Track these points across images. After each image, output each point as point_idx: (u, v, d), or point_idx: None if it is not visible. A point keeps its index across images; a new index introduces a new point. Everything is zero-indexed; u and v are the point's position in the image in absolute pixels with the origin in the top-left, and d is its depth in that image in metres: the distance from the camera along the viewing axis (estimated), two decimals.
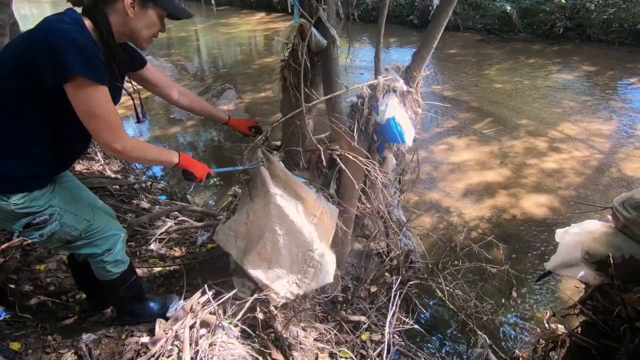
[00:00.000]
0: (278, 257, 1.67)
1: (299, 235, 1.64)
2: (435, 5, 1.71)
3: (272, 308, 1.72)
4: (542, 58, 7.03)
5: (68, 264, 1.78)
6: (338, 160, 1.79)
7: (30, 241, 1.39)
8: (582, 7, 7.93)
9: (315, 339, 1.77)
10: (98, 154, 3.62)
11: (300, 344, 1.66)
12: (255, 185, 1.74)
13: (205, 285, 1.76)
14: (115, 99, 1.32)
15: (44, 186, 1.31)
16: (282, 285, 1.69)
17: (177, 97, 1.63)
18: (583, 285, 1.34)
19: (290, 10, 1.64)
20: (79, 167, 3.38)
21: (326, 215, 1.74)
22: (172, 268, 2.21)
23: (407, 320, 1.93)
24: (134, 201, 2.97)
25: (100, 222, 1.49)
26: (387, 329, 1.75)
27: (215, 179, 3.91)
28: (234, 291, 1.74)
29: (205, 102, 1.77)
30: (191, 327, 1.57)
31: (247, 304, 1.70)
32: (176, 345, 1.52)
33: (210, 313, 1.64)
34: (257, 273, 1.70)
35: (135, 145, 1.28)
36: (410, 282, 2.11)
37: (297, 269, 1.69)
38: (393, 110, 1.67)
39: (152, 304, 1.77)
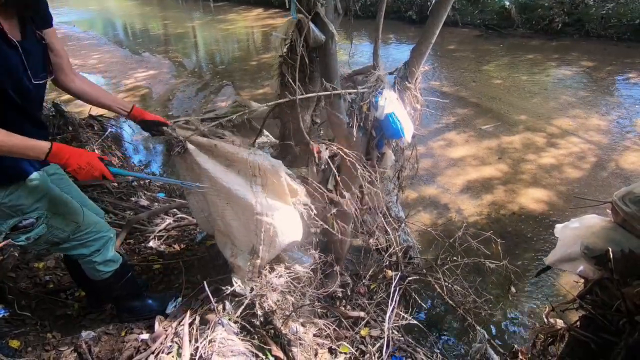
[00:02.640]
0: (232, 229, 1.58)
1: (240, 201, 1.51)
2: (433, 1, 1.70)
3: (270, 304, 1.71)
4: (541, 53, 7.02)
5: (64, 262, 1.77)
6: (332, 157, 1.78)
7: (17, 243, 1.33)
8: (581, 2, 7.91)
9: (314, 335, 1.77)
10: (96, 151, 3.61)
11: (300, 339, 1.66)
12: (186, 166, 1.59)
13: (205, 282, 1.76)
14: (12, 61, 1.10)
15: (19, 180, 1.23)
16: (244, 258, 1.59)
17: (71, 77, 1.39)
18: (582, 280, 1.35)
19: (287, 6, 1.63)
20: None
21: (269, 172, 1.55)
22: (171, 265, 2.21)
23: (406, 315, 1.93)
24: (133, 198, 2.96)
25: (89, 223, 1.46)
26: (386, 325, 1.75)
27: None
28: (233, 288, 1.74)
29: (105, 90, 1.55)
30: (191, 323, 1.57)
31: (246, 301, 1.70)
32: (176, 342, 1.52)
33: (210, 310, 1.64)
34: (225, 251, 1.62)
35: None
36: (409, 278, 2.12)
37: (253, 238, 1.56)
38: (392, 105, 1.66)
39: (151, 301, 1.77)
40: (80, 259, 1.50)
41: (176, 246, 2.44)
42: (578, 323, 1.29)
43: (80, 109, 4.69)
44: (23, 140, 1.11)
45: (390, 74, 1.85)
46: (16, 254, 2.11)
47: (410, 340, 1.94)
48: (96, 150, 3.62)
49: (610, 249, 1.13)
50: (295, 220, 1.60)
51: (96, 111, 4.57)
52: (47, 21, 1.26)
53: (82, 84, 1.43)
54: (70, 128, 3.72)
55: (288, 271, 1.89)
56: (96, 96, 1.46)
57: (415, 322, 1.93)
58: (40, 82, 1.23)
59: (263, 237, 1.53)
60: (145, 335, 1.62)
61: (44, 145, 1.12)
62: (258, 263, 1.58)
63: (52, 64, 1.30)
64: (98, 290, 1.67)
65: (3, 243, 2.11)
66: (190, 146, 1.49)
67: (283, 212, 1.56)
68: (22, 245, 1.36)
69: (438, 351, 1.97)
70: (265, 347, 1.59)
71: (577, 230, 1.33)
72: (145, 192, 3.18)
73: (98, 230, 1.49)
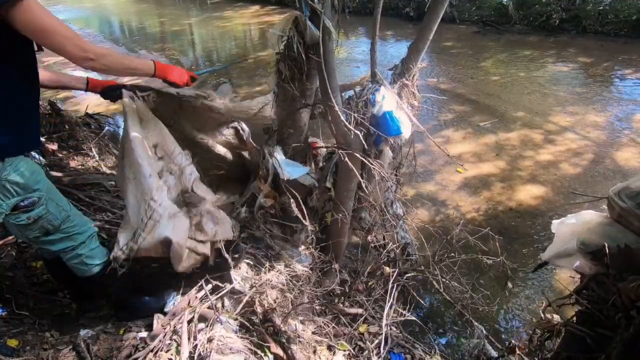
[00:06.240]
0: (128, 204, 1.56)
1: (144, 181, 1.50)
2: None
3: (270, 301, 1.72)
4: (538, 50, 7.02)
5: (44, 262, 1.74)
6: (330, 154, 1.78)
7: (16, 224, 1.36)
8: None
9: (313, 332, 1.78)
10: (93, 149, 3.59)
11: (299, 337, 1.66)
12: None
13: (203, 280, 1.76)
14: None
15: (16, 155, 1.25)
16: (125, 236, 1.55)
17: None
18: (578, 275, 1.35)
19: (298, 4, 1.59)
20: (74, 163, 3.35)
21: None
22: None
23: (404, 312, 1.94)
24: None
25: (75, 215, 1.51)
26: (384, 321, 1.76)
27: None
28: (232, 285, 1.75)
29: (57, 72, 1.59)
30: (189, 321, 1.57)
31: (246, 298, 1.70)
32: (175, 340, 1.52)
33: (208, 307, 1.64)
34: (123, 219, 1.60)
35: (104, 52, 1.21)
36: (407, 275, 2.12)
37: (138, 221, 1.53)
38: (390, 103, 1.66)
39: (149, 299, 1.77)
40: (66, 253, 1.51)
41: None
42: (574, 318, 1.30)
43: (77, 107, 4.67)
44: (131, 58, 1.39)
45: (389, 70, 1.85)
46: (13, 254, 2.11)
47: (408, 336, 1.95)
48: (93, 149, 3.60)
49: (606, 245, 1.13)
50: (183, 221, 1.55)
51: (93, 109, 4.54)
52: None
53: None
54: (67, 127, 3.69)
55: (287, 269, 1.90)
56: (47, 78, 1.48)
57: (413, 318, 1.94)
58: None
59: (146, 224, 1.50)
60: (143, 333, 1.62)
61: (151, 63, 1.42)
62: (134, 247, 1.53)
63: None
64: (93, 287, 1.67)
65: (4, 240, 2.11)
66: (126, 101, 1.51)
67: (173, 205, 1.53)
68: (20, 227, 1.37)
69: (436, 347, 1.99)
70: (264, 344, 1.59)
71: (574, 226, 1.33)
72: None
73: (82, 224, 1.53)
